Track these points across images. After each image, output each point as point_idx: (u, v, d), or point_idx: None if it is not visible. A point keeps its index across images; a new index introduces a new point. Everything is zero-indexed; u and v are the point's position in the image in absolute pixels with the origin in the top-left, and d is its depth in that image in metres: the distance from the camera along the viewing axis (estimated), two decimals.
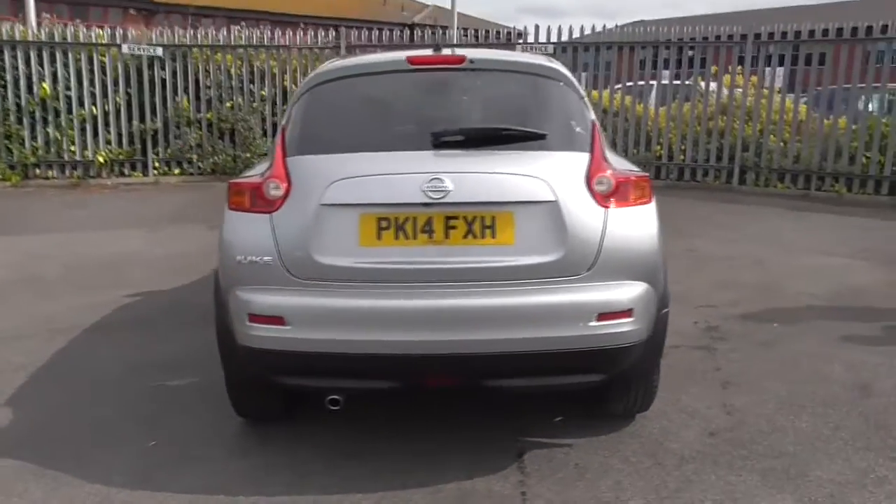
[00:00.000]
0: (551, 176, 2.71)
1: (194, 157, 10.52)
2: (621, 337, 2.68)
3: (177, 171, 10.69)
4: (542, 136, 2.84)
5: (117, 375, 3.87)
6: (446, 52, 3.16)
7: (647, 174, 2.95)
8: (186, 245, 6.74)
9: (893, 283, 5.58)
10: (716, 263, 6.16)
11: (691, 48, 10.42)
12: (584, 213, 2.70)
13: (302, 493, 2.74)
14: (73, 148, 10.32)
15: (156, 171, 10.61)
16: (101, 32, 10.69)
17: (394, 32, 11.44)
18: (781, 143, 9.64)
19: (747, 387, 3.64)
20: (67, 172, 10.41)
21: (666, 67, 10.41)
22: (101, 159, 10.33)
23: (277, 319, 2.66)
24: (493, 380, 2.73)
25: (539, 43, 10.72)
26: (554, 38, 10.70)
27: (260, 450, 3.07)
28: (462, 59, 3.04)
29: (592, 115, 3.02)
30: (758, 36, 9.87)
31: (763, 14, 27.37)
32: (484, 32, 11.16)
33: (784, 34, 9.76)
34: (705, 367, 3.91)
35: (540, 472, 2.87)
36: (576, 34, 10.73)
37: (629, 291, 2.71)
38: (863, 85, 9.33)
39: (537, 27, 10.70)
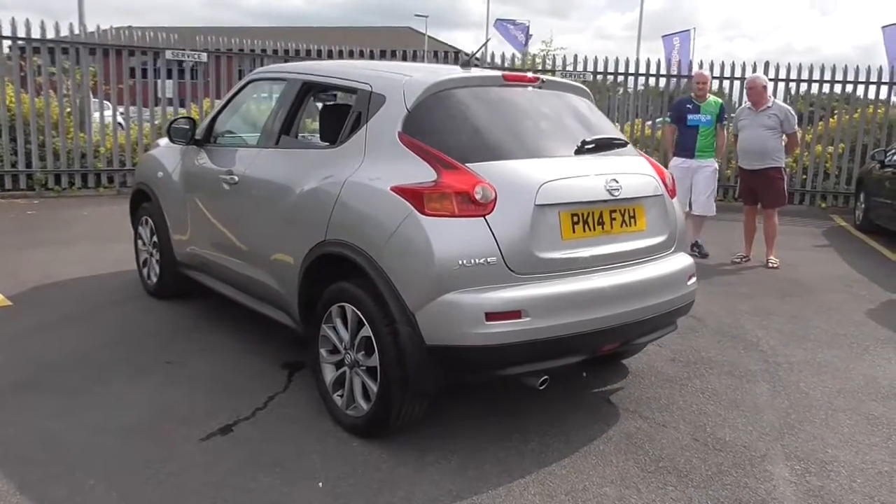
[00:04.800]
0: (653, 174, 3.50)
1: None
2: (694, 293, 3.64)
3: None
4: (626, 144, 3.58)
5: (129, 447, 3.11)
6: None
7: None
8: None
9: None
10: None
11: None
12: (669, 202, 3.56)
13: (520, 476, 2.96)
14: None
15: None
16: None
17: None
18: None
19: None
20: None
21: (169, 77, 10.56)
22: None
23: (515, 314, 2.84)
24: (639, 338, 3.39)
25: (34, 40, 9.66)
26: (34, 34, 9.60)
27: (443, 444, 3.08)
28: (537, 79, 3.54)
29: None
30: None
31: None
32: None
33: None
34: None
35: (642, 409, 3.62)
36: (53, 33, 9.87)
37: (689, 258, 3.68)
38: None
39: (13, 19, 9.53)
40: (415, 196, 2.89)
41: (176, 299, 5.11)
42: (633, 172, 3.39)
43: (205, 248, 4.45)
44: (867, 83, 11.58)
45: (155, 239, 5.04)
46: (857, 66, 11.66)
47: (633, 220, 3.30)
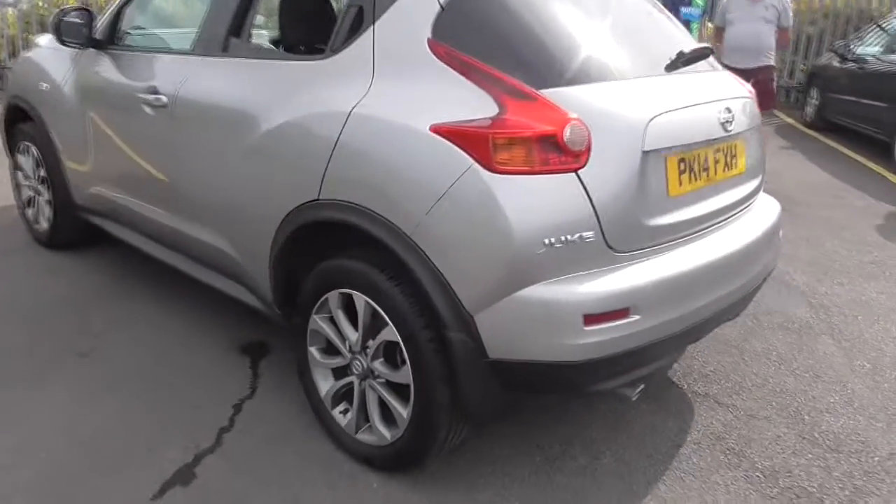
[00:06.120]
0: (750, 96, 2.62)
1: None
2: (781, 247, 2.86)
3: None
4: (712, 51, 2.66)
5: None
6: None
7: None
8: None
9: None
10: None
11: None
12: (761, 132, 2.71)
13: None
14: None
15: None
16: None
17: None
18: None
19: None
20: None
21: None
22: None
23: (621, 313, 1.97)
24: (734, 317, 2.62)
25: None
26: None
27: (491, 473, 2.25)
28: None
29: None
30: None
31: None
32: None
33: None
34: None
35: (713, 390, 2.90)
36: None
37: (775, 200, 2.88)
38: None
39: None
40: (475, 141, 1.90)
41: (79, 250, 3.94)
42: (737, 96, 2.50)
43: (118, 192, 3.29)
44: None
45: (43, 173, 3.79)
46: None
47: (734, 161, 2.44)
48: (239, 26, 2.68)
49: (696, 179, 2.24)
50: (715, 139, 2.27)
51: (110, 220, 3.48)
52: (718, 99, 2.31)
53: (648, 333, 2.02)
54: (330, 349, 2.40)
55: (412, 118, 2.01)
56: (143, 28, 3.36)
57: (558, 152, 1.90)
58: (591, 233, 1.94)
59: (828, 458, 2.51)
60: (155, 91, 2.85)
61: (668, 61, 2.33)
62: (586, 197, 1.93)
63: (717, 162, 2.34)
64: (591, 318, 1.92)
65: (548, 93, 1.98)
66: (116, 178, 3.27)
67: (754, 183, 2.59)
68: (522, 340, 1.95)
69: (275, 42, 3.52)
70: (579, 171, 1.92)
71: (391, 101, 2.10)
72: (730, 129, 2.29)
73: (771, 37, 6.17)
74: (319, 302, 2.34)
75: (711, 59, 2.65)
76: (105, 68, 3.22)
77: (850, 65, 8.45)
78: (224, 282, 2.83)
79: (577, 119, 1.93)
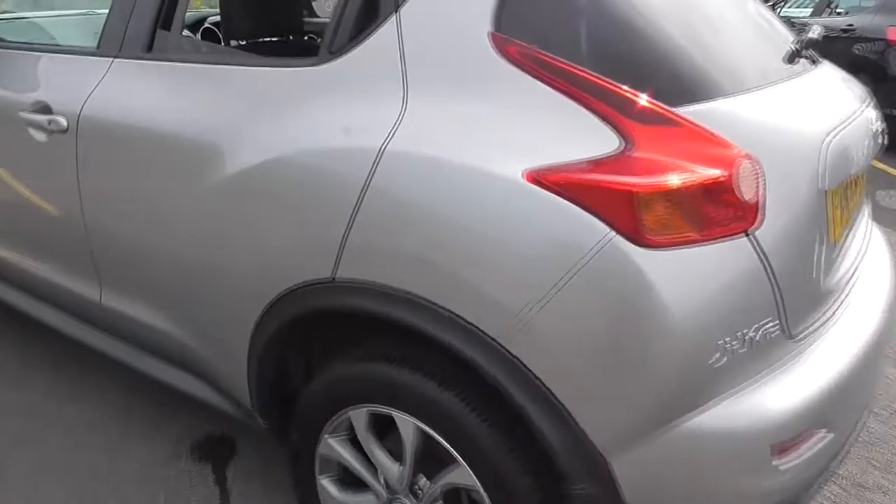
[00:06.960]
0: None
1: None
2: None
3: None
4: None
5: None
6: None
7: None
8: None
9: None
10: None
11: None
12: None
13: None
14: None
15: None
16: None
17: None
18: None
19: None
20: None
21: None
22: None
23: (813, 432, 1.36)
24: None
25: None
26: None
27: None
28: None
29: None
30: None
31: None
32: None
33: None
34: None
35: None
36: None
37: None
38: None
39: None
40: (610, 197, 1.21)
41: None
42: (869, 96, 1.92)
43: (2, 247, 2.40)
44: None
45: None
46: None
47: (860, 182, 1.86)
48: (169, 15, 1.84)
49: (846, 214, 1.65)
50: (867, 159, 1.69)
51: None
52: (866, 103, 1.73)
53: (836, 447, 1.43)
54: (350, 478, 1.68)
55: (490, 160, 1.30)
56: (13, 12, 2.42)
57: (727, 206, 1.25)
58: (773, 322, 1.30)
59: None
60: (47, 109, 1.97)
61: (788, 53, 1.71)
62: (766, 269, 1.29)
63: (854, 188, 1.75)
64: (781, 449, 1.30)
65: (689, 112, 1.31)
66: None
67: (869, 204, 2.04)
68: (684, 490, 1.30)
69: (192, 27, 2.69)
70: (754, 232, 1.28)
71: (446, 130, 1.37)
72: (881, 140, 1.72)
73: None
74: (335, 419, 1.61)
75: None
76: None
77: None
78: (172, 373, 2.03)
79: (748, 155, 1.27)
